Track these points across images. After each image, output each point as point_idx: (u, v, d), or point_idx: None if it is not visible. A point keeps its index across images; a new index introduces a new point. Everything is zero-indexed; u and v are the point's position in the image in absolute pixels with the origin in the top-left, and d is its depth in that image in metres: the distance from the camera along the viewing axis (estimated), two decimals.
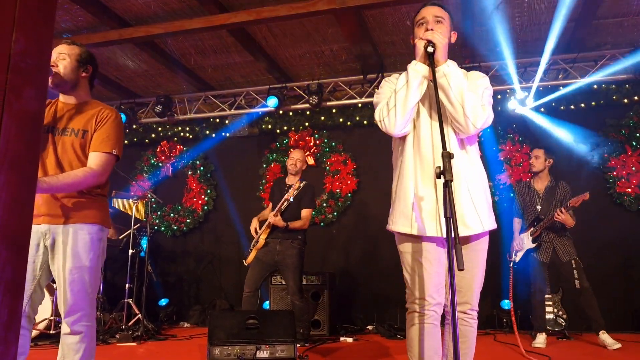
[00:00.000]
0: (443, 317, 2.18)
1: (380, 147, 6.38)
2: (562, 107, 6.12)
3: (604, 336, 4.60)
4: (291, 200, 4.70)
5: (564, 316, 5.20)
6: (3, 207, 0.68)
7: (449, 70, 2.06)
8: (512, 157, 6.23)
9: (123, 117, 6.93)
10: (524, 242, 5.02)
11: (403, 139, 2.21)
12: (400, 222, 2.14)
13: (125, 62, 6.25)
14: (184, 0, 4.91)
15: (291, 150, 5.15)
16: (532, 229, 4.98)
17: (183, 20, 5.12)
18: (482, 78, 2.22)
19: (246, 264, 4.99)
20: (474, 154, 2.21)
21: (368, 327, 6.04)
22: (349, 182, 6.73)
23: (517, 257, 5.05)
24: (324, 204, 6.71)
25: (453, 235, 1.69)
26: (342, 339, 5.31)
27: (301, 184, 4.88)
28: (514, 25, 5.40)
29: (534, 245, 4.94)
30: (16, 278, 0.71)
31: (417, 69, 2.08)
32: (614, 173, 5.88)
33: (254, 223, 4.91)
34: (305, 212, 4.83)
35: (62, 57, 2.41)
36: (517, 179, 6.12)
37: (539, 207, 4.99)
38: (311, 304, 5.54)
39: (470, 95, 2.06)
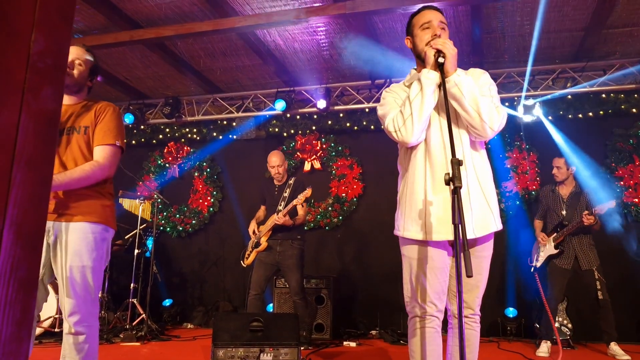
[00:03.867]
0: (446, 321, 2.18)
1: (386, 152, 6.38)
2: (569, 116, 6.11)
3: (615, 347, 4.59)
4: (301, 204, 4.75)
5: (569, 325, 5.17)
6: (19, 205, 0.68)
7: (459, 80, 2.05)
8: (518, 165, 6.21)
9: (131, 117, 7.00)
10: (546, 247, 4.99)
11: (413, 146, 2.20)
12: (413, 228, 2.13)
13: (134, 63, 6.29)
14: (195, 3, 4.94)
15: (270, 155, 5.09)
16: (555, 234, 4.93)
17: (193, 23, 5.15)
18: (483, 75, 2.22)
19: (244, 266, 5.03)
20: (484, 153, 2.24)
21: (371, 332, 6.03)
22: (354, 186, 6.73)
23: (539, 262, 5.00)
24: (330, 208, 6.72)
25: (461, 242, 1.69)
26: (345, 343, 5.30)
27: (291, 181, 4.98)
28: (522, 33, 5.40)
29: (557, 251, 4.88)
30: (30, 276, 0.71)
31: (430, 76, 2.07)
32: (622, 183, 5.85)
33: (252, 225, 4.98)
34: (302, 209, 4.91)
35: (79, 64, 2.46)
36: (523, 187, 6.12)
37: (564, 212, 4.95)
38: (315, 307, 5.54)
39: (484, 100, 2.06)
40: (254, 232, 4.95)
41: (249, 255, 5.00)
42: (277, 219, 4.72)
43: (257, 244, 4.88)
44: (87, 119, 2.43)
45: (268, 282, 4.92)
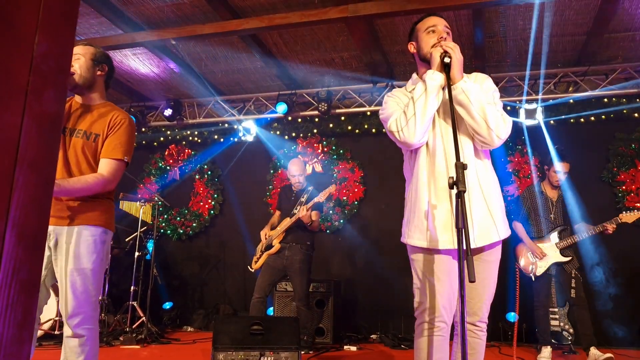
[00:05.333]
0: (452, 328, 2.16)
1: (387, 155, 6.43)
2: (572, 120, 6.10)
3: (595, 351, 4.47)
4: (323, 201, 4.71)
5: (570, 330, 5.15)
6: (22, 207, 0.68)
7: (467, 87, 2.04)
8: (520, 169, 6.21)
9: (132, 119, 6.99)
10: (548, 252, 4.74)
11: (416, 150, 2.18)
12: (416, 235, 2.12)
13: (136, 65, 6.30)
14: (197, 6, 4.95)
15: (289, 165, 5.09)
16: (557, 240, 4.76)
17: (195, 25, 5.15)
18: (487, 80, 2.22)
19: (252, 270, 5.00)
20: (488, 163, 2.22)
21: (372, 336, 6.02)
22: (356, 190, 6.73)
23: (541, 270, 4.74)
24: (331, 212, 6.71)
25: (465, 247, 1.68)
26: (345, 347, 5.29)
27: (310, 188, 4.97)
28: (524, 37, 5.40)
29: (568, 258, 4.71)
30: (31, 278, 0.71)
31: (435, 77, 2.07)
32: (623, 187, 5.85)
33: (266, 229, 4.97)
34: (316, 215, 4.88)
35: (77, 58, 2.40)
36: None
37: (552, 216, 4.79)
38: (316, 311, 5.52)
39: (490, 107, 2.05)
40: (266, 235, 4.94)
41: (257, 259, 4.97)
42: (299, 211, 4.64)
43: (269, 246, 4.85)
44: (100, 126, 2.40)
45: (273, 286, 4.90)
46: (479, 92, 2.05)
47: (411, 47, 2.30)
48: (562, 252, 4.74)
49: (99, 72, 2.48)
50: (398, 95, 2.26)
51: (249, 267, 5.05)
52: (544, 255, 4.73)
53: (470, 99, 2.03)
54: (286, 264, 4.77)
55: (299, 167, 5.03)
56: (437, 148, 2.12)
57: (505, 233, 2.16)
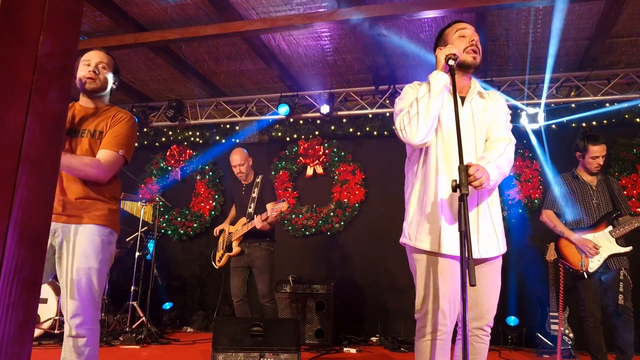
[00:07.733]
0: (454, 332, 2.16)
1: (389, 158, 6.43)
2: (573, 125, 6.10)
3: None
4: (272, 214, 4.58)
5: (571, 335, 5.14)
6: (24, 206, 0.68)
7: (493, 185, 2.09)
8: (521, 173, 6.20)
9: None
10: (601, 243, 3.96)
11: (426, 151, 2.17)
12: (424, 239, 2.09)
13: (139, 65, 6.30)
14: (200, 7, 4.96)
15: (232, 156, 4.92)
16: (609, 227, 3.99)
17: (198, 27, 5.16)
18: (503, 101, 2.27)
19: (217, 267, 5.02)
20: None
21: (372, 338, 6.01)
22: (357, 192, 6.72)
23: (592, 265, 3.91)
24: (331, 214, 6.71)
25: (466, 250, 1.68)
26: (345, 349, 5.29)
27: (258, 180, 4.87)
28: (526, 41, 5.40)
29: (627, 249, 3.95)
30: (33, 277, 0.71)
31: (439, 77, 2.08)
32: (624, 192, 5.83)
33: (224, 225, 4.97)
34: (271, 211, 4.69)
35: (103, 67, 2.49)
36: (526, 195, 6.10)
37: (594, 202, 4.06)
38: (316, 313, 5.52)
39: (506, 168, 2.12)
40: (221, 231, 4.93)
41: (221, 257, 4.97)
42: (257, 223, 4.55)
43: (230, 248, 4.83)
44: (103, 124, 2.45)
45: (246, 284, 4.82)
46: (498, 174, 2.07)
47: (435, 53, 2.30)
48: (619, 241, 3.98)
49: (114, 85, 2.58)
50: (417, 88, 2.25)
51: (213, 263, 5.07)
52: (597, 250, 3.94)
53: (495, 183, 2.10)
54: (248, 262, 4.74)
55: (241, 155, 4.87)
56: (451, 149, 2.13)
57: (505, 248, 2.21)
